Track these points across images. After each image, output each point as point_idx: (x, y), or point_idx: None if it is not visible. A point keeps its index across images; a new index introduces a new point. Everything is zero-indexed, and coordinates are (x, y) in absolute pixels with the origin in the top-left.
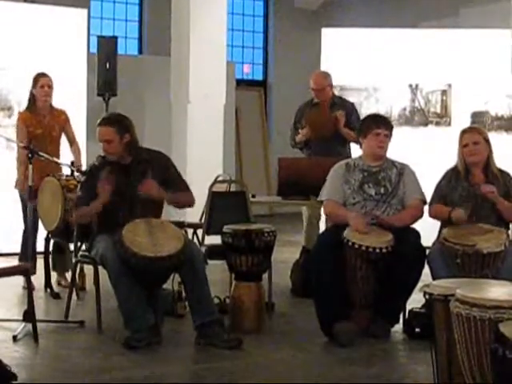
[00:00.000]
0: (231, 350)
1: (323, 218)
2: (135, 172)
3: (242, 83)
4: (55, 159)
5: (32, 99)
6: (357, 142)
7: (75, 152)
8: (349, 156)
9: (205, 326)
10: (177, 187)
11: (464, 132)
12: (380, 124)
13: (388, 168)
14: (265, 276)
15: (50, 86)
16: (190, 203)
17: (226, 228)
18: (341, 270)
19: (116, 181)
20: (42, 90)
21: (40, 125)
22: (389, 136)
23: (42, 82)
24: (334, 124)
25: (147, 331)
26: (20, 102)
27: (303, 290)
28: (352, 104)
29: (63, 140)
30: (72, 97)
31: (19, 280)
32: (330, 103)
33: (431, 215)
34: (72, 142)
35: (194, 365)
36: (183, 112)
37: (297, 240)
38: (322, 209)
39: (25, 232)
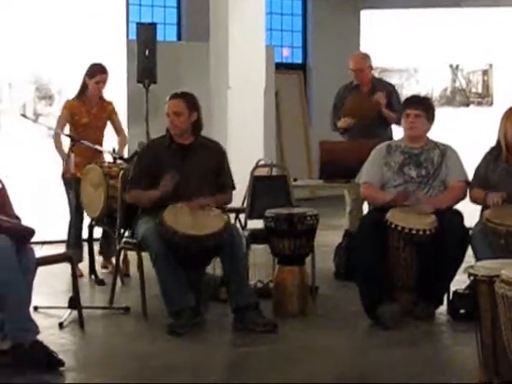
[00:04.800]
0: (266, 333)
1: None
2: (193, 154)
3: (281, 67)
4: (97, 146)
5: (84, 88)
6: (398, 123)
7: (121, 142)
8: (390, 138)
9: (240, 309)
10: (224, 184)
11: (511, 109)
12: (409, 104)
13: (430, 149)
14: (308, 260)
15: (105, 84)
16: (228, 203)
17: (269, 212)
18: (384, 253)
19: (172, 160)
20: (97, 86)
21: (87, 114)
22: (422, 116)
23: (99, 78)
24: (375, 108)
25: (188, 313)
26: (60, 90)
27: (346, 273)
28: (392, 85)
29: (107, 130)
30: (112, 84)
31: (66, 267)
32: (369, 86)
33: (471, 200)
34: (119, 132)
35: (237, 348)
36: (223, 97)
37: (339, 223)
38: (360, 190)
39: (70, 221)
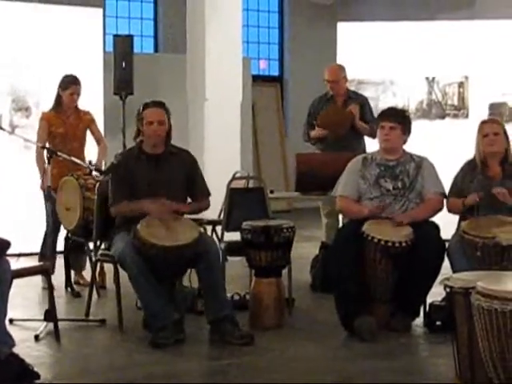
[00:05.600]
0: (243, 346)
1: None
2: (165, 164)
3: (258, 79)
4: (73, 158)
5: (58, 100)
6: (371, 135)
7: (101, 151)
8: (364, 150)
9: (217, 321)
10: (199, 192)
11: (484, 122)
12: (384, 116)
13: (406, 162)
14: (284, 272)
15: (79, 94)
16: (207, 208)
17: (245, 224)
18: (360, 265)
19: (144, 171)
20: (71, 97)
21: (63, 124)
22: (397, 128)
23: (72, 89)
24: (348, 119)
25: (172, 328)
26: (37, 102)
27: (323, 285)
28: (365, 97)
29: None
30: (89, 96)
31: (40, 280)
32: (344, 97)
33: (448, 209)
34: (99, 141)
35: (214, 361)
36: (200, 109)
37: (316, 235)
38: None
39: (45, 232)
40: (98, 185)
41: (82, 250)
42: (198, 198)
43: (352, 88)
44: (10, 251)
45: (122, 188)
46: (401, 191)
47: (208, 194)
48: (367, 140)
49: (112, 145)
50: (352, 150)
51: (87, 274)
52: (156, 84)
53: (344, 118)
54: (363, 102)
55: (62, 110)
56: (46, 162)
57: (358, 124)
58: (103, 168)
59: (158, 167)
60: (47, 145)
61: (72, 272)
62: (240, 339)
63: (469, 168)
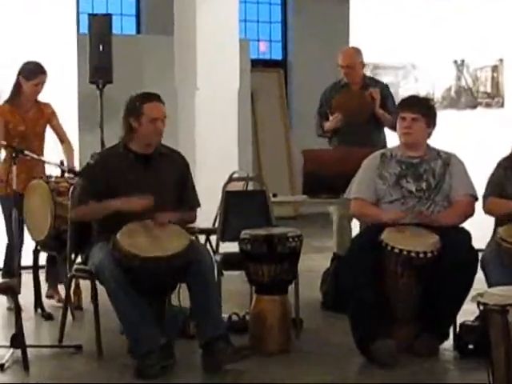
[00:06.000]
0: (239, 361)
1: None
2: (155, 165)
3: (257, 64)
4: (43, 158)
5: (17, 91)
6: (393, 128)
7: (67, 151)
8: (384, 145)
9: (210, 343)
10: (188, 201)
11: None
12: (404, 106)
13: (431, 159)
14: (291, 288)
15: (44, 83)
16: (192, 222)
17: (244, 233)
18: (379, 279)
19: (130, 173)
20: (35, 88)
21: (23, 120)
22: (420, 120)
23: (38, 79)
24: (368, 105)
25: (158, 353)
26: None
27: (335, 303)
28: (386, 85)
29: (48, 136)
30: (61, 85)
31: (4, 300)
32: (360, 85)
33: (486, 210)
34: (62, 139)
35: None
36: (190, 100)
37: (327, 245)
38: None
39: (9, 244)
40: (71, 189)
41: (54, 264)
42: (186, 209)
43: (368, 74)
44: None
45: (91, 189)
46: (425, 193)
47: (198, 205)
48: (388, 133)
49: (87, 142)
50: (372, 144)
51: (62, 292)
52: (139, 71)
53: (362, 102)
54: (383, 90)
55: (20, 103)
56: (11, 162)
57: (379, 112)
58: (77, 168)
59: (148, 169)
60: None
61: (43, 290)
62: (235, 354)
63: (507, 163)
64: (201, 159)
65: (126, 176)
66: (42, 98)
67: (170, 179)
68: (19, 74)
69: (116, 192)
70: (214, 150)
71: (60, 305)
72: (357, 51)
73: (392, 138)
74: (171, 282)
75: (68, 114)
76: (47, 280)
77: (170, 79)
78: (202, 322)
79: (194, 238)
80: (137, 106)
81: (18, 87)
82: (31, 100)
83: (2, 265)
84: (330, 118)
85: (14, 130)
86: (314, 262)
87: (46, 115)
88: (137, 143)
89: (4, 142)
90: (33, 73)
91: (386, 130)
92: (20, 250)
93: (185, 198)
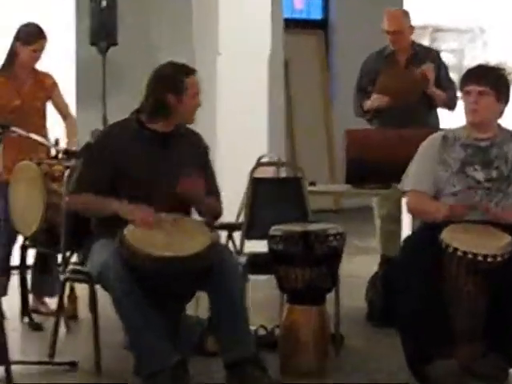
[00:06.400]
0: None
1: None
2: (174, 146)
3: (292, 25)
4: (33, 135)
5: (12, 58)
6: (447, 106)
7: (69, 128)
8: (437, 127)
9: (236, 365)
10: (211, 190)
11: None
12: (471, 78)
13: (504, 142)
14: (330, 296)
15: (43, 50)
16: (219, 215)
17: (275, 229)
18: (438, 287)
19: (146, 153)
20: (34, 55)
21: (18, 93)
22: (489, 94)
23: (38, 44)
24: (420, 85)
25: (170, 373)
26: None
27: (383, 314)
28: (438, 54)
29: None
30: (55, 48)
31: None
32: (409, 53)
33: None
34: (65, 115)
35: None
36: (211, 67)
37: (373, 245)
38: (405, 203)
39: None
40: (67, 173)
41: (47, 267)
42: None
43: (426, 39)
44: None
45: (90, 175)
46: (495, 183)
47: (220, 195)
48: (441, 113)
49: (87, 117)
50: (423, 126)
51: (53, 298)
52: (148, 30)
53: (413, 84)
54: (435, 61)
55: (15, 74)
56: None
57: (432, 91)
58: (76, 149)
59: (166, 150)
60: None
61: (30, 296)
62: (269, 380)
63: None
64: (222, 140)
65: (139, 157)
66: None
67: (190, 164)
68: (17, 38)
69: (125, 177)
70: (239, 128)
71: (48, 313)
72: (404, 13)
73: (447, 120)
74: (189, 288)
75: (64, 84)
76: (33, 288)
77: (186, 42)
78: (226, 337)
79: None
80: (180, 81)
81: (13, 54)
82: (28, 69)
83: None
84: (373, 95)
85: (9, 105)
86: (358, 266)
87: (47, 87)
88: (156, 121)
89: None
90: (32, 36)
91: (440, 111)
92: (9, 246)
93: (207, 185)
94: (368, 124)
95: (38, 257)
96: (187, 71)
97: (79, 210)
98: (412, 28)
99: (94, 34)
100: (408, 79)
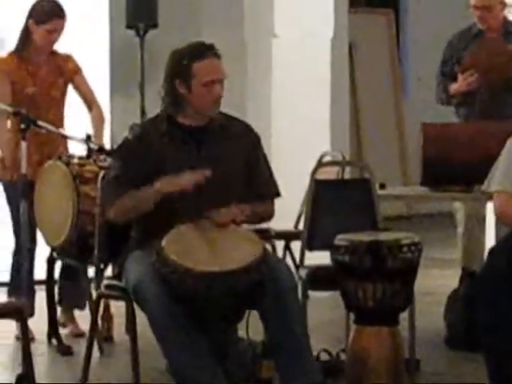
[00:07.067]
0: None
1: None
2: (212, 142)
3: (359, 3)
4: (62, 131)
5: (26, 38)
6: None
7: (95, 120)
8: None
9: None
10: (262, 189)
11: None
12: None
13: None
14: (403, 316)
15: (62, 30)
16: (269, 218)
17: (340, 239)
18: None
19: (179, 153)
20: (50, 35)
21: (33, 78)
22: None
23: (53, 24)
24: None
25: None
26: (2, 41)
27: (466, 339)
28: None
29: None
30: (86, 31)
31: (9, 326)
32: (499, 33)
33: None
34: (90, 103)
35: None
36: (265, 52)
37: (452, 257)
38: (492, 206)
39: (17, 250)
40: (101, 174)
41: (76, 279)
42: (259, 199)
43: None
44: None
45: (130, 175)
46: None
47: (276, 193)
48: None
49: (122, 108)
50: None
51: (83, 317)
52: (193, 12)
53: (509, 59)
54: None
55: (29, 56)
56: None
57: None
58: (107, 146)
59: (202, 147)
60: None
61: (59, 312)
62: None
63: None
64: (278, 135)
65: (172, 159)
66: (61, 48)
67: (236, 161)
68: (30, 15)
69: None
70: (297, 122)
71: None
72: None
73: None
74: (237, 307)
75: (96, 71)
76: (60, 301)
77: (236, 23)
78: (285, 365)
79: (267, 245)
80: (184, 65)
81: (26, 33)
82: (44, 52)
83: (9, 278)
84: (459, 77)
85: (22, 92)
86: (436, 281)
87: (67, 72)
88: (185, 114)
89: (9, 108)
90: (46, 14)
91: None
92: (31, 258)
93: (256, 184)
94: (455, 114)
95: (66, 266)
96: (196, 52)
97: (130, 215)
98: (504, 4)
99: (131, 15)
100: (503, 52)
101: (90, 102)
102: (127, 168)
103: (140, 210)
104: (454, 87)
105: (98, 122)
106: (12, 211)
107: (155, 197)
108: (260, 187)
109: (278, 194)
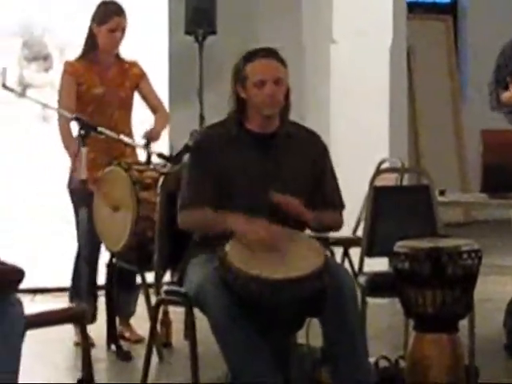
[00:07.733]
0: None
1: None
2: (280, 150)
3: (417, 9)
4: (123, 137)
5: (91, 41)
6: None
7: (159, 123)
8: None
9: None
10: (327, 199)
11: None
12: None
13: None
14: (463, 323)
15: (124, 29)
16: (337, 227)
17: (400, 246)
18: None
19: (247, 161)
20: (112, 35)
21: (101, 79)
22: None
23: (113, 22)
24: None
25: None
26: (63, 47)
27: None
28: None
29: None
30: (144, 37)
31: (69, 331)
32: None
33: None
34: (156, 109)
35: None
36: (324, 58)
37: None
38: None
39: (79, 255)
40: (161, 180)
41: (132, 285)
42: (325, 209)
43: None
44: (21, 285)
45: (206, 185)
46: None
47: (341, 205)
48: None
49: (181, 115)
50: None
51: (141, 323)
52: (251, 18)
53: None
54: None
55: (95, 58)
56: (79, 143)
57: None
58: (166, 152)
59: (270, 155)
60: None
61: (118, 319)
62: None
63: None
64: (337, 141)
65: (239, 167)
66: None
67: (304, 171)
68: (92, 19)
69: (230, 190)
70: (356, 128)
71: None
72: None
73: None
74: (299, 314)
75: (155, 79)
76: (117, 311)
77: (294, 29)
78: (343, 371)
79: (329, 253)
80: (240, 69)
81: (91, 37)
82: (110, 53)
83: (70, 284)
84: (511, 86)
85: (89, 93)
86: (495, 288)
87: (133, 77)
88: (252, 120)
89: (70, 115)
90: (105, 14)
91: None
92: (94, 263)
93: (323, 193)
94: (508, 122)
95: (122, 274)
96: (249, 57)
97: (191, 229)
98: None
99: (190, 22)
100: None
101: (157, 107)
102: (198, 177)
103: (205, 232)
104: (505, 95)
105: (162, 125)
106: (77, 219)
107: (225, 230)
108: (326, 196)
109: (342, 206)
